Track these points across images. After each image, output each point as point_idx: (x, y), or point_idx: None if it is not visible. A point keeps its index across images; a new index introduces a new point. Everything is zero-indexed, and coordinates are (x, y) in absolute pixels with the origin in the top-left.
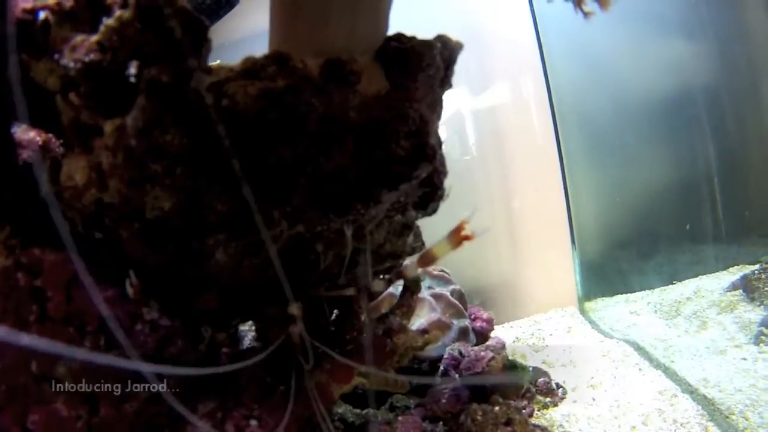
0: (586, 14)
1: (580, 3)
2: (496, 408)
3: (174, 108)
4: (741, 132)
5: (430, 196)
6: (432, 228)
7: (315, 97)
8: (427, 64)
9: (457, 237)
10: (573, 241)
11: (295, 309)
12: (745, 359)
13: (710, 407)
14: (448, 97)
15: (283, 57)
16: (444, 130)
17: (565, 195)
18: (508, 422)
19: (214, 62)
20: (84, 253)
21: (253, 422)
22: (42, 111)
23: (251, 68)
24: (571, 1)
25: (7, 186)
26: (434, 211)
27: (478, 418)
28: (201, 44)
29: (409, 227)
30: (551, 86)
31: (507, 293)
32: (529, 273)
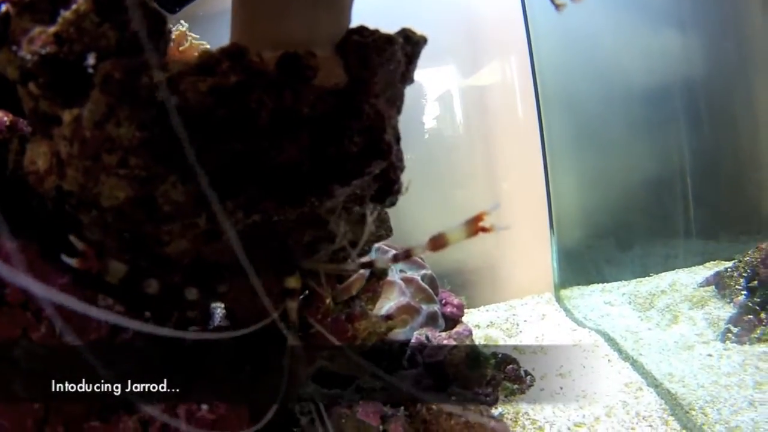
0: (557, 6)
1: None
2: (452, 398)
3: (127, 102)
4: (726, 127)
5: (386, 190)
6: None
7: (267, 93)
8: (387, 59)
9: (475, 226)
10: (552, 228)
11: (293, 282)
12: (710, 355)
13: (672, 402)
14: (439, 75)
15: (238, 51)
16: (437, 106)
17: (546, 180)
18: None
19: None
20: (45, 238)
21: (204, 406)
22: (7, 97)
23: (205, 63)
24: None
25: None
26: (393, 204)
27: (433, 407)
28: (158, 38)
29: (370, 216)
30: (536, 70)
31: (487, 276)
32: (510, 257)
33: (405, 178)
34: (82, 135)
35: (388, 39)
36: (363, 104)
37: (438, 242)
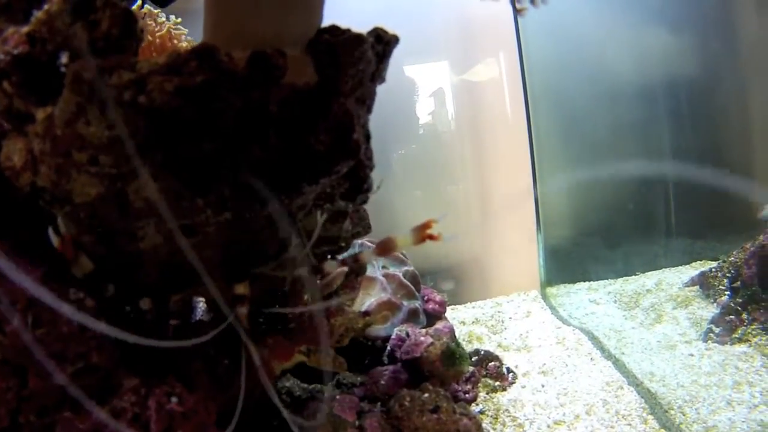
0: (519, 11)
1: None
2: (425, 395)
3: (96, 102)
4: (713, 126)
5: (356, 188)
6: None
7: (234, 93)
8: (358, 58)
9: (422, 234)
10: (539, 225)
11: (242, 288)
12: (692, 355)
13: (652, 401)
14: (432, 71)
15: (207, 51)
16: (431, 102)
17: (533, 178)
18: (435, 409)
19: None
20: (21, 232)
21: (174, 399)
22: None
23: (174, 63)
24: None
25: None
26: (363, 202)
27: (406, 404)
28: (129, 37)
29: (344, 214)
30: (525, 68)
31: (474, 272)
32: (497, 253)
33: (401, 171)
34: (53, 133)
35: (358, 38)
36: (332, 103)
37: (385, 246)
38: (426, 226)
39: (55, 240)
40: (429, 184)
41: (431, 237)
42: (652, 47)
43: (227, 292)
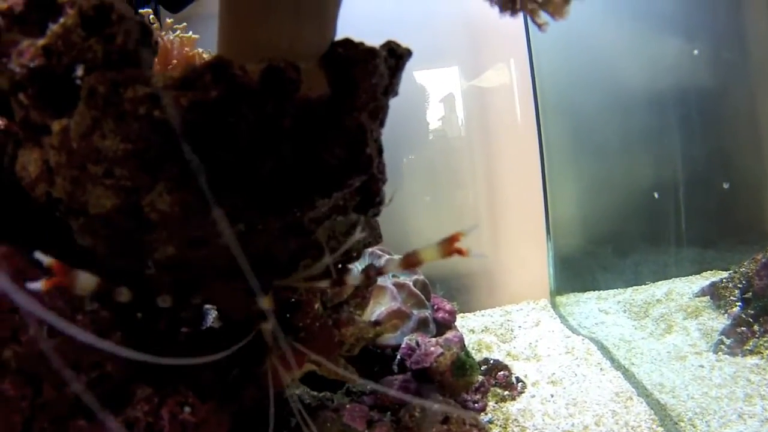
0: (540, 26)
1: (533, 15)
2: (435, 405)
3: (111, 115)
4: (725, 135)
5: (368, 202)
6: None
7: (248, 107)
8: (370, 72)
9: (450, 247)
10: (548, 233)
11: (266, 303)
12: (702, 366)
13: (662, 412)
14: (442, 76)
15: (221, 65)
16: (441, 108)
17: (543, 186)
18: (445, 420)
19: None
20: (38, 242)
21: (187, 409)
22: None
23: (188, 77)
24: (524, 13)
25: None
26: (375, 215)
27: (416, 414)
28: (143, 51)
29: (357, 225)
30: (536, 75)
31: (483, 280)
32: (506, 262)
33: (410, 177)
34: (69, 145)
35: (371, 52)
36: (345, 118)
37: (411, 260)
38: (454, 239)
39: (46, 261)
40: (438, 190)
41: (459, 252)
42: (663, 55)
43: (240, 302)
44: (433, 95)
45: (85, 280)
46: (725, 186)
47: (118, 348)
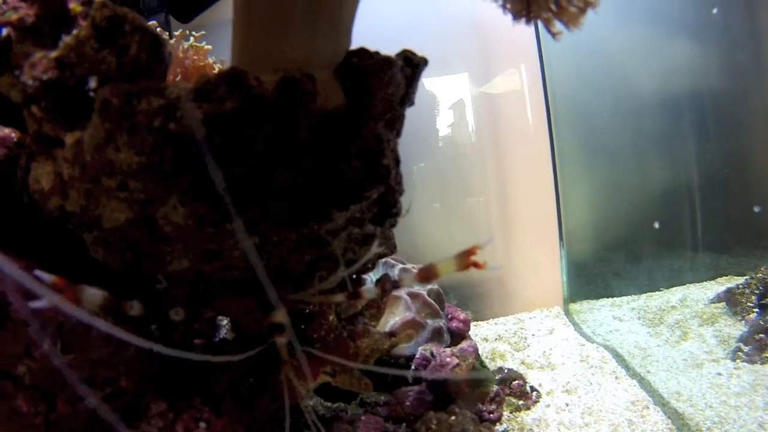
0: (554, 35)
1: (548, 24)
2: (452, 417)
3: (125, 128)
4: (739, 139)
5: (385, 213)
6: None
7: (263, 118)
8: (386, 82)
9: (466, 260)
10: (561, 240)
11: (280, 316)
12: (720, 374)
13: (679, 421)
14: (452, 83)
15: (236, 76)
16: (450, 114)
17: (556, 192)
18: None
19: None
20: (51, 256)
21: (202, 424)
22: (12, 117)
23: (203, 88)
24: (539, 22)
25: None
26: (392, 226)
27: (433, 427)
28: (157, 61)
29: (372, 236)
30: (547, 80)
31: (496, 288)
32: (519, 269)
33: (419, 186)
34: (83, 158)
35: (387, 62)
36: (361, 128)
37: (428, 273)
38: (471, 252)
39: (48, 279)
40: (448, 198)
41: (476, 265)
42: (676, 59)
43: (253, 314)
44: (442, 102)
45: (92, 295)
46: (756, 210)
47: (159, 346)
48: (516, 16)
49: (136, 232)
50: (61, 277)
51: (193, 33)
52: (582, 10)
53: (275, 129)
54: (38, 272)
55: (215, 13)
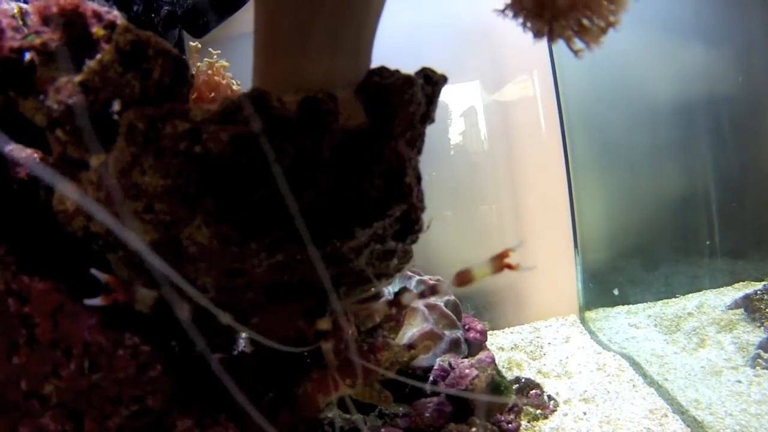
0: (576, 53)
1: (569, 42)
2: (472, 429)
3: (151, 152)
4: (755, 145)
5: (407, 230)
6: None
7: (287, 139)
8: (407, 101)
9: (501, 263)
10: (576, 248)
11: (324, 324)
12: (739, 382)
13: (699, 430)
14: (464, 90)
15: (259, 97)
16: (462, 122)
17: (570, 199)
18: None
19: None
20: (74, 276)
21: None
22: (35, 141)
23: (227, 110)
24: (560, 40)
25: (3, 205)
26: (414, 242)
27: None
28: (180, 84)
29: (393, 252)
30: (560, 87)
31: (510, 297)
32: (534, 277)
33: (432, 195)
34: (108, 181)
35: (407, 80)
36: (383, 147)
37: (464, 278)
38: (503, 255)
39: (102, 278)
40: (461, 206)
41: (509, 267)
42: (691, 64)
43: (294, 324)
44: (454, 110)
45: (145, 294)
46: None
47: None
48: (537, 35)
49: (161, 252)
50: (114, 277)
51: (210, 49)
52: (603, 30)
53: (298, 149)
54: (94, 271)
55: (227, 28)
